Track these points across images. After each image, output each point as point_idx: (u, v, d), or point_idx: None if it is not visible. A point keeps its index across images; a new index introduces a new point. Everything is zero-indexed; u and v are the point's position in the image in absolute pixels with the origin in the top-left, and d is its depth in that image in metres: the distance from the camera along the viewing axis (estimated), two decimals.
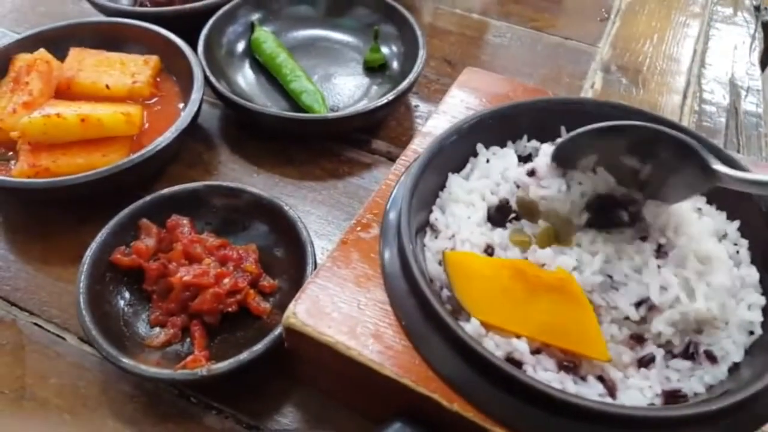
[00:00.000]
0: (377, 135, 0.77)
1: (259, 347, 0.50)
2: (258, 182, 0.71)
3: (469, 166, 0.55)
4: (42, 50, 0.74)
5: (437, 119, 0.60)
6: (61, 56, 0.75)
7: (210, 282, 0.55)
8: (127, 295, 0.58)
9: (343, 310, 0.45)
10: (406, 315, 0.44)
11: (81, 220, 0.65)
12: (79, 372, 0.55)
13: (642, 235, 0.48)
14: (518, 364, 0.42)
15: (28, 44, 0.75)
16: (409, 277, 0.44)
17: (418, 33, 0.78)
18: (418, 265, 0.44)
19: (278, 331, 0.50)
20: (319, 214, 0.68)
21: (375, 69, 0.82)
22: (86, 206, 0.65)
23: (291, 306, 0.46)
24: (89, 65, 0.74)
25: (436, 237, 0.50)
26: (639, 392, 0.42)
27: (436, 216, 0.51)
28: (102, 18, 0.82)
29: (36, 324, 0.59)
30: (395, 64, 0.82)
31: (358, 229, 0.51)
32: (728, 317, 0.45)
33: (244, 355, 0.49)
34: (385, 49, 0.82)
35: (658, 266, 0.45)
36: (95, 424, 0.52)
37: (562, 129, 0.56)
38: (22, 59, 0.73)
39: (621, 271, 0.46)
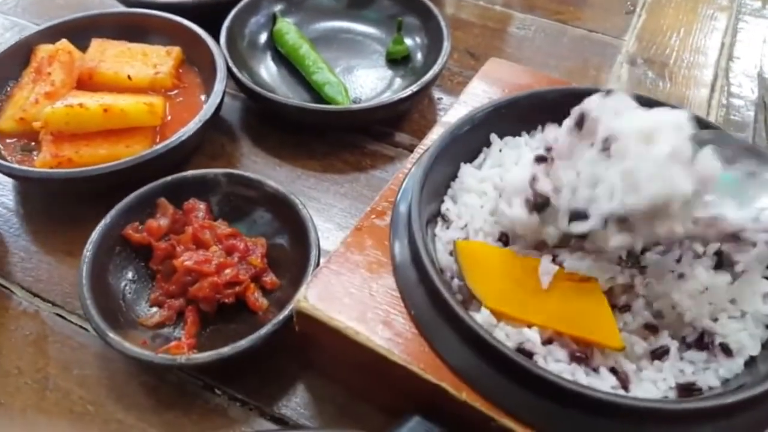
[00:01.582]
0: (400, 128, 0.76)
1: (242, 343, 0.49)
2: (280, 175, 0.70)
3: (482, 155, 0.55)
4: (64, 41, 0.73)
5: (458, 109, 0.59)
6: (83, 47, 0.74)
7: (210, 270, 0.55)
8: (132, 271, 0.58)
9: (354, 295, 0.45)
10: (415, 304, 0.44)
11: (103, 211, 0.64)
12: (102, 363, 0.55)
13: None
14: (529, 355, 0.41)
15: (50, 35, 0.75)
16: (419, 266, 0.44)
17: (443, 24, 0.77)
18: (428, 255, 0.44)
19: (265, 330, 0.50)
20: (342, 206, 0.68)
21: (398, 61, 0.81)
22: (109, 197, 0.64)
23: (302, 289, 0.46)
24: (111, 56, 0.73)
25: (447, 227, 0.50)
26: (652, 385, 0.41)
27: (447, 206, 0.51)
28: (123, 9, 0.82)
29: (59, 315, 0.58)
30: (419, 56, 0.80)
31: (373, 216, 0.50)
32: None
33: (226, 350, 0.49)
34: (408, 41, 0.81)
35: None
36: (119, 414, 0.52)
37: None
38: (44, 50, 0.73)
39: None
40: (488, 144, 0.55)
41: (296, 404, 0.52)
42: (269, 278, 0.57)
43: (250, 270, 0.56)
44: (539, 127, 0.55)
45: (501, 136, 0.55)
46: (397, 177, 0.53)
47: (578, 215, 0.43)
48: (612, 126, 0.42)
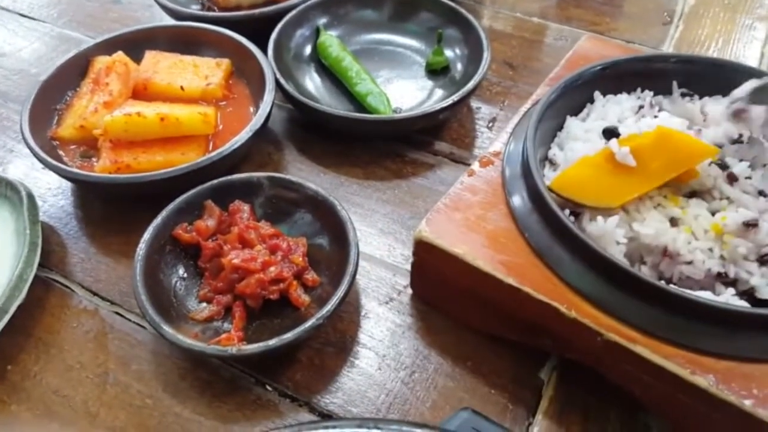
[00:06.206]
0: (439, 137, 0.78)
1: (288, 336, 0.51)
2: (324, 182, 0.73)
3: (585, 110, 0.60)
4: (120, 53, 0.77)
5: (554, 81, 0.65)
6: (137, 59, 0.78)
7: (256, 268, 0.57)
8: (182, 268, 0.61)
9: (471, 227, 0.52)
10: (528, 227, 0.51)
11: (157, 214, 0.67)
12: (158, 359, 0.57)
13: None
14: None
15: (106, 47, 0.78)
16: (533, 193, 0.51)
17: (482, 36, 0.79)
18: (541, 179, 0.50)
19: (309, 323, 0.52)
20: (384, 212, 0.70)
21: (437, 72, 0.83)
22: (162, 201, 0.67)
23: (422, 223, 0.52)
24: (164, 67, 0.76)
25: (554, 170, 0.55)
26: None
27: (554, 152, 0.57)
28: (175, 22, 0.86)
29: (117, 313, 0.61)
30: (458, 67, 0.82)
31: (480, 165, 0.58)
32: None
33: (273, 342, 0.51)
34: (447, 53, 0.83)
35: None
36: (175, 408, 0.54)
37: (674, 84, 0.60)
38: (101, 61, 0.77)
39: None
40: (592, 101, 0.61)
41: (342, 401, 0.54)
42: (310, 276, 0.60)
43: (293, 268, 0.59)
44: (638, 89, 0.62)
45: (604, 95, 0.61)
46: (502, 136, 0.61)
47: None
48: None
